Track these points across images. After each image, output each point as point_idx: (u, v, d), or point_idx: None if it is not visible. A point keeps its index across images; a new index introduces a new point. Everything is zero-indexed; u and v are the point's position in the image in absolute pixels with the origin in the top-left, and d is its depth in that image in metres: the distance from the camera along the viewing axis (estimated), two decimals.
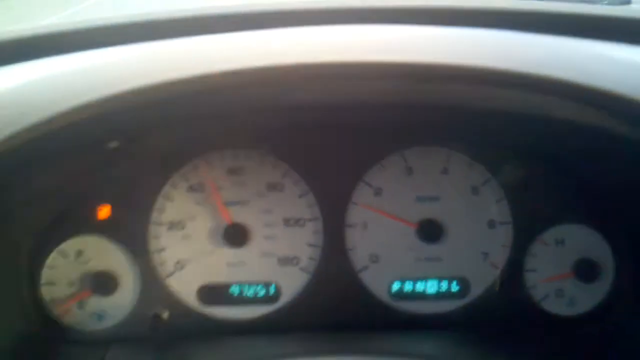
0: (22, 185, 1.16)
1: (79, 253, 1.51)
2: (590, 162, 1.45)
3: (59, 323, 1.50)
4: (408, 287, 1.55)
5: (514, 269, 1.52)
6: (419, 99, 1.20)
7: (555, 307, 1.51)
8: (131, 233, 1.51)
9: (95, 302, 1.51)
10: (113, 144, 1.17)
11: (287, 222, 1.54)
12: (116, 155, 1.32)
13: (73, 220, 1.50)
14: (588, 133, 1.18)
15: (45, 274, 1.48)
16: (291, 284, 1.53)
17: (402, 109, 1.33)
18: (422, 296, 1.55)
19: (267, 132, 1.52)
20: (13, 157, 0.93)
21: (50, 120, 0.89)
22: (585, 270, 1.51)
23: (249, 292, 1.53)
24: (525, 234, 1.52)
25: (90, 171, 1.40)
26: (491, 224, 1.54)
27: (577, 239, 1.52)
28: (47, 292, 1.48)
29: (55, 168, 1.25)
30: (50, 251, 1.49)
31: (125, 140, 1.18)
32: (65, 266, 1.50)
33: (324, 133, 1.53)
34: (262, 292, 1.54)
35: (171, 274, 1.52)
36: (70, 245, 1.51)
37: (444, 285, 1.55)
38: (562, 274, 1.52)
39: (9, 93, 0.93)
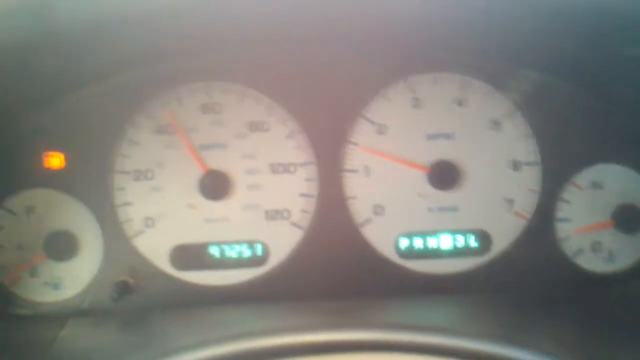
0: None
1: (30, 210, 1.35)
2: (633, 88, 1.29)
3: (6, 294, 1.35)
4: (418, 242, 1.40)
5: (544, 219, 1.39)
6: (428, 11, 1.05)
7: (592, 262, 1.41)
8: (90, 185, 1.35)
9: (51, 269, 1.36)
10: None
11: (274, 168, 1.38)
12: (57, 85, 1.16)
13: (19, 171, 1.34)
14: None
15: None
16: (281, 242, 1.39)
17: (407, 26, 1.17)
18: (435, 253, 1.40)
19: (246, 60, 1.36)
20: None
21: None
22: (628, 219, 1.38)
23: (232, 253, 1.39)
24: (556, 176, 1.39)
25: (32, 103, 1.21)
26: (516, 165, 1.38)
27: (617, 182, 1.39)
28: None
29: None
30: None
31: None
32: (13, 226, 1.35)
33: (314, 59, 1.36)
34: (247, 253, 1.39)
35: (139, 233, 1.37)
36: (18, 200, 1.34)
37: (461, 240, 1.40)
38: (600, 223, 1.39)
39: None
